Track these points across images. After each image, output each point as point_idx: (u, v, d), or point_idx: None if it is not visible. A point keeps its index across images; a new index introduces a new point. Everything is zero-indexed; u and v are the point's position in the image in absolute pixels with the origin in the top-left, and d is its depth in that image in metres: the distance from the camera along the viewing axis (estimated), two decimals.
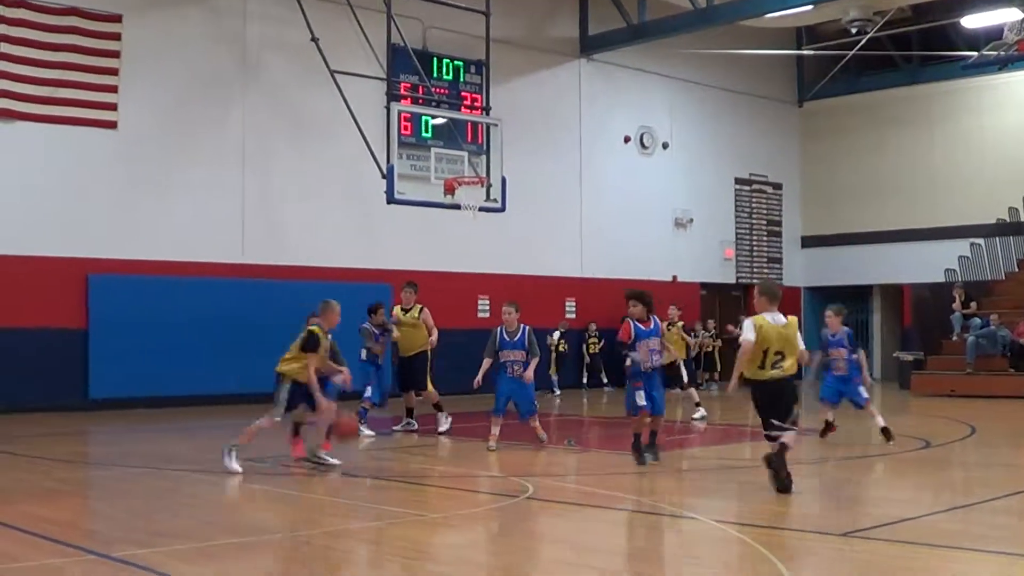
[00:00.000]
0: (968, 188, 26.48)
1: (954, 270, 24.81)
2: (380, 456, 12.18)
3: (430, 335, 14.29)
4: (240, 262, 19.37)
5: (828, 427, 12.70)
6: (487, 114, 18.12)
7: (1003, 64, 23.82)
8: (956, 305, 22.44)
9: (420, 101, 20.58)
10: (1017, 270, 24.61)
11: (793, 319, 9.06)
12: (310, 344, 10.36)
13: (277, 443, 11.17)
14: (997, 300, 23.11)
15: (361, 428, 13.45)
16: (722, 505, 9.04)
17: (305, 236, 20.10)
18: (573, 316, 24.14)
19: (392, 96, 17.34)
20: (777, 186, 29.10)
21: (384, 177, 16.53)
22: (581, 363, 24.14)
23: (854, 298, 28.23)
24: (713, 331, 25.52)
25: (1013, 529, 7.96)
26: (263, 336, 17.50)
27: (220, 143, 19.31)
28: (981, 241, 25.18)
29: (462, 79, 22.03)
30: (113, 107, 18.08)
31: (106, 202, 18.07)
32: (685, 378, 15.65)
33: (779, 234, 29.20)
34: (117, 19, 18.17)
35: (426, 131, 20.83)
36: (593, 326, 24.07)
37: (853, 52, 26.61)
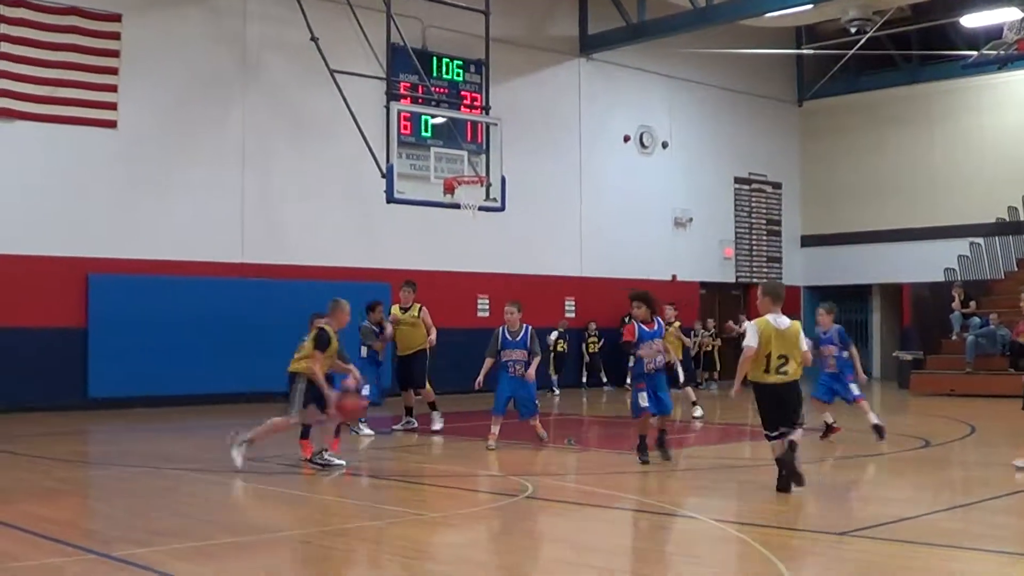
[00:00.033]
0: (968, 187, 26.45)
1: (954, 269, 24.83)
2: (380, 455, 12.19)
3: (429, 334, 14.30)
4: (240, 262, 19.38)
5: (829, 429, 12.60)
6: (487, 113, 18.12)
7: (1003, 63, 23.81)
8: (955, 304, 22.42)
9: (420, 101, 20.57)
10: (1016, 269, 24.58)
11: (796, 324, 9.05)
12: (322, 342, 10.37)
13: (277, 443, 11.15)
14: (996, 299, 23.06)
15: (361, 426, 13.48)
16: (722, 504, 9.04)
17: (305, 236, 20.09)
18: (573, 315, 24.13)
19: (392, 96, 17.33)
20: (777, 185, 29.09)
21: (384, 177, 16.53)
22: (581, 362, 24.15)
23: (853, 297, 28.27)
24: (713, 330, 25.52)
25: (1013, 528, 7.96)
26: (263, 336, 17.62)
27: (220, 143, 19.31)
28: (981, 240, 25.19)
29: (462, 79, 22.03)
30: (113, 107, 18.09)
31: (106, 202, 18.07)
32: (681, 378, 15.65)
33: (779, 233, 29.18)
34: (117, 19, 18.17)
35: (426, 131, 20.83)
36: (593, 325, 24.08)
37: (853, 51, 26.59)
